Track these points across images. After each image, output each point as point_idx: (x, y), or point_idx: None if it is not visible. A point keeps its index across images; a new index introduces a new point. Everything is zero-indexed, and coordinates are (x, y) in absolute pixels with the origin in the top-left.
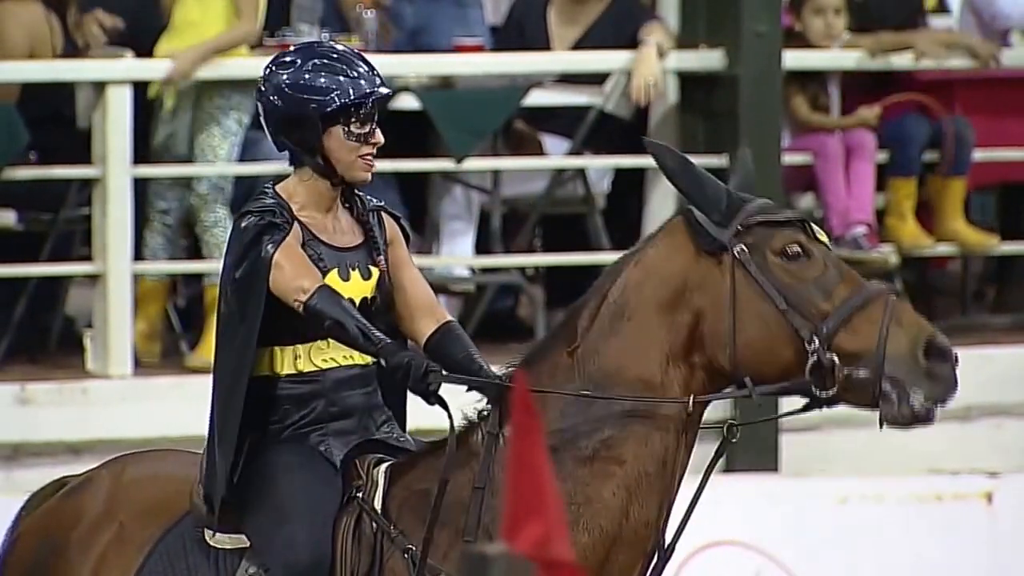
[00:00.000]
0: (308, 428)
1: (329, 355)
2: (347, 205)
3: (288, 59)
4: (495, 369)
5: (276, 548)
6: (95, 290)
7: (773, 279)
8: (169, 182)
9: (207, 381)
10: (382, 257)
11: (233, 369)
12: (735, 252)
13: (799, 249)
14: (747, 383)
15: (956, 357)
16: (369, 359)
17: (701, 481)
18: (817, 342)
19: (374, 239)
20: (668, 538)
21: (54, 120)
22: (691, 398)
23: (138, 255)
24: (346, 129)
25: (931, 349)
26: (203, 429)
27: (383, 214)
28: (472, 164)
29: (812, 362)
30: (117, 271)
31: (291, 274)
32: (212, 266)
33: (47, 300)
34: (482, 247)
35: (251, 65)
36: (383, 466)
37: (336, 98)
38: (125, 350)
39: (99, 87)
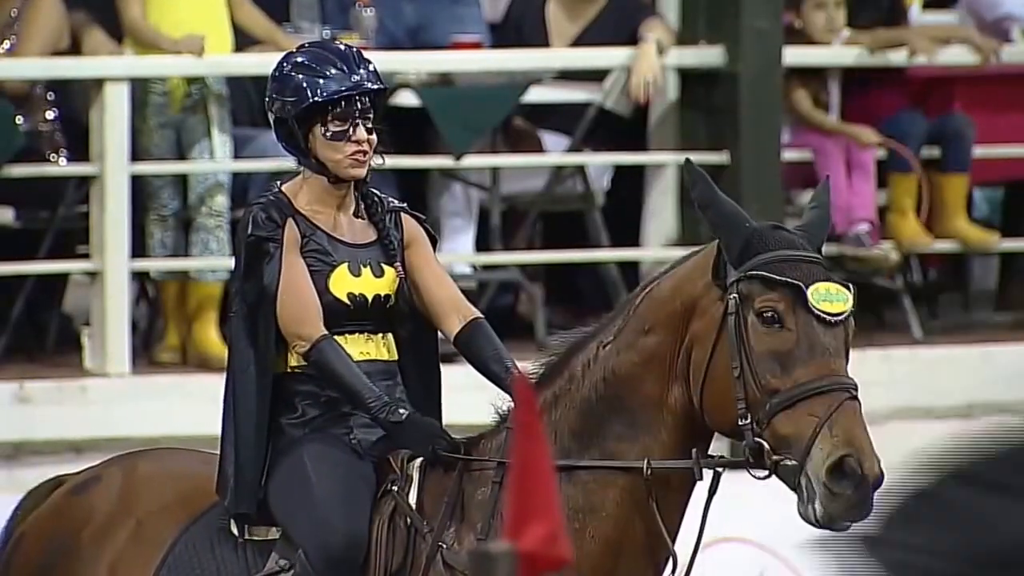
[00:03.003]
0: (331, 423)
1: (347, 350)
2: (364, 204)
3: (282, 60)
4: (523, 366)
5: (311, 532)
6: (93, 288)
7: (743, 339)
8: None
9: (206, 379)
10: (398, 258)
11: (255, 383)
12: (729, 300)
13: (774, 316)
14: (693, 454)
15: (872, 482)
16: (388, 356)
17: (702, 519)
18: (749, 419)
19: (387, 239)
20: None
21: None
22: (646, 460)
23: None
24: (324, 128)
25: (836, 469)
26: (202, 427)
27: (403, 215)
28: (471, 161)
29: (748, 444)
30: (115, 269)
31: (292, 316)
32: (210, 263)
33: (45, 298)
34: (481, 244)
35: (249, 63)
36: (417, 461)
37: (305, 98)
38: (123, 348)
39: (97, 84)
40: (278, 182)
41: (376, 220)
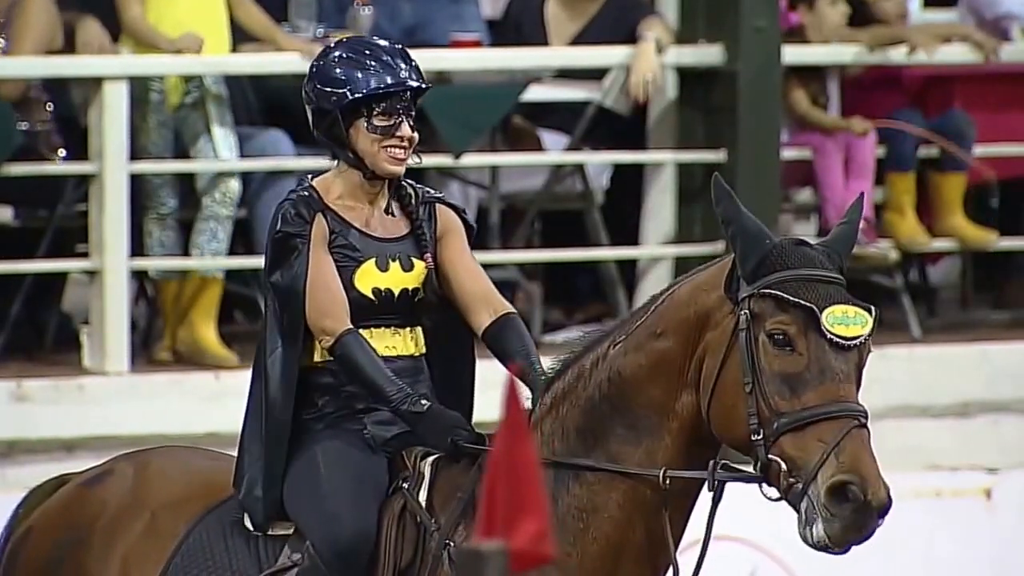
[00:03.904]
0: (345, 418)
1: (372, 345)
2: (397, 196)
3: (324, 53)
4: (547, 364)
5: (320, 525)
6: (92, 287)
7: (755, 357)
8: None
9: (204, 378)
10: (429, 252)
11: (281, 377)
12: (740, 315)
13: (785, 338)
14: (709, 466)
15: (876, 508)
16: (415, 350)
17: (707, 528)
18: (762, 435)
19: (420, 232)
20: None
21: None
22: (663, 471)
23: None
24: (368, 122)
25: (838, 492)
26: (200, 425)
27: (439, 206)
28: (470, 160)
29: (760, 460)
30: (114, 267)
31: (318, 310)
32: (209, 262)
33: (44, 296)
34: (480, 243)
35: (247, 62)
36: (430, 459)
37: (352, 91)
38: (122, 347)
39: (96, 83)
40: (309, 176)
41: (410, 212)
